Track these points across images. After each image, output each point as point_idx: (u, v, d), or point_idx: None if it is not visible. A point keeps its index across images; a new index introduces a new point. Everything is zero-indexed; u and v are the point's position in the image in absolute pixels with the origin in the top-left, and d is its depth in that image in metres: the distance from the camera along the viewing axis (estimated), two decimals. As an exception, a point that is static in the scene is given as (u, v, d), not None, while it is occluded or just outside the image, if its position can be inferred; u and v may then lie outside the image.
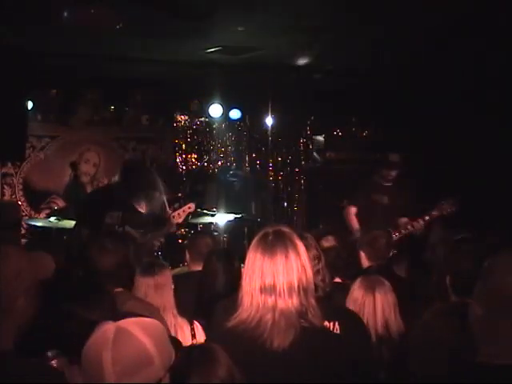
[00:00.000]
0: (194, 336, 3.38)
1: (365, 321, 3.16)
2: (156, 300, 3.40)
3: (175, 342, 2.04)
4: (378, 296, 3.21)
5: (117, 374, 1.62)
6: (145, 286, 3.45)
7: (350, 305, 3.25)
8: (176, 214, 5.73)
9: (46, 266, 3.38)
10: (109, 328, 1.67)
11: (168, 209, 6.06)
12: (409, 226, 5.84)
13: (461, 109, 7.21)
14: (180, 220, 5.73)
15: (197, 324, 3.44)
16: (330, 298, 2.79)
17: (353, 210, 6.36)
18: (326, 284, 2.73)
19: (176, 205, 6.50)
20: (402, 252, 5.38)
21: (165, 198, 5.90)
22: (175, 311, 3.46)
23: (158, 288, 3.45)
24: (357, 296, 3.25)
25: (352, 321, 2.73)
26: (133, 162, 5.78)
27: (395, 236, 5.74)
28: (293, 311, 2.28)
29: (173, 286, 3.60)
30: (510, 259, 1.88)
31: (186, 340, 3.30)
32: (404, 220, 6.01)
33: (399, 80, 7.46)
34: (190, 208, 5.81)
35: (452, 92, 7.21)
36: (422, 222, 5.84)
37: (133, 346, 1.64)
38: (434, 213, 5.83)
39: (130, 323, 1.68)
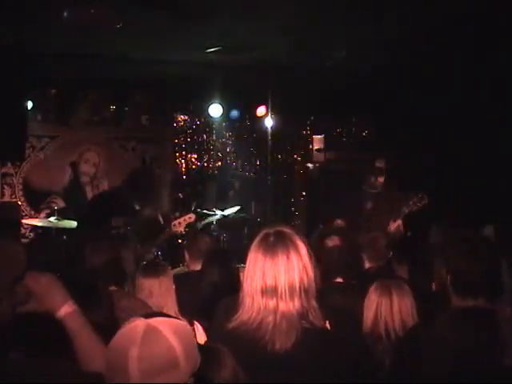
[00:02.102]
0: (194, 337, 3.38)
1: (382, 322, 3.16)
2: (160, 300, 3.41)
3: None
4: (395, 298, 3.21)
5: (141, 371, 1.58)
6: (149, 286, 3.45)
7: (368, 307, 3.25)
8: (176, 222, 5.79)
9: (18, 259, 3.35)
10: (139, 324, 1.63)
11: (162, 218, 6.13)
12: (390, 228, 5.81)
13: (461, 109, 7.20)
14: (180, 229, 5.80)
15: (197, 325, 3.44)
16: (323, 298, 2.78)
17: (339, 223, 6.29)
18: (317, 283, 2.73)
19: (177, 213, 6.54)
20: (401, 252, 5.36)
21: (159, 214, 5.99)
22: (177, 311, 3.47)
23: (162, 288, 3.46)
24: (374, 298, 3.25)
25: (343, 320, 2.73)
26: (139, 173, 5.83)
27: None
28: (294, 313, 2.27)
29: (174, 286, 3.61)
30: None
31: None
32: (396, 223, 5.97)
33: (399, 80, 7.46)
34: (190, 218, 5.88)
35: (452, 92, 7.21)
36: (397, 222, 5.83)
37: (161, 346, 1.61)
38: (405, 209, 5.83)
39: (160, 322, 1.65)
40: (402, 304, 3.20)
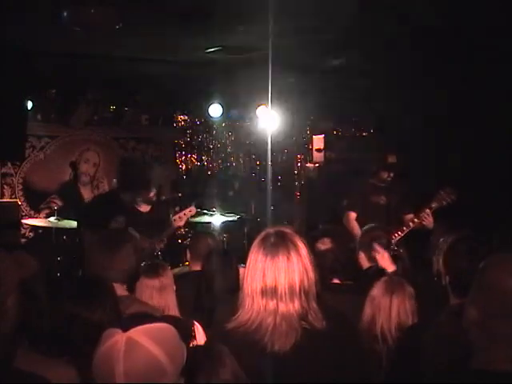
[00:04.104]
0: (194, 337, 3.38)
1: (379, 322, 3.16)
2: (160, 301, 3.41)
3: (186, 332, 2.02)
4: (395, 300, 3.20)
5: None
6: (150, 287, 3.46)
7: (367, 306, 3.25)
8: (177, 217, 5.73)
9: (28, 265, 3.38)
10: (118, 340, 1.64)
11: (168, 209, 6.06)
12: (410, 223, 5.79)
13: (461, 108, 7.21)
14: (181, 223, 5.74)
15: (197, 325, 3.44)
16: (320, 299, 2.78)
17: (352, 215, 6.34)
18: (317, 285, 2.73)
19: (177, 208, 6.49)
20: (403, 252, 5.36)
21: (163, 198, 5.90)
22: (177, 311, 3.47)
23: (163, 289, 3.47)
24: (374, 296, 3.25)
25: (338, 320, 2.73)
26: (130, 161, 5.75)
27: (398, 235, 5.67)
28: (294, 315, 2.27)
29: (174, 286, 3.61)
30: (505, 260, 1.86)
31: None
32: (409, 217, 5.97)
33: (399, 80, 7.46)
34: (190, 211, 5.81)
35: (452, 92, 7.21)
36: (423, 216, 5.77)
37: (145, 359, 1.62)
38: (434, 205, 5.73)
39: (139, 333, 1.65)
40: (400, 306, 3.20)
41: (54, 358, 2.28)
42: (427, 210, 5.73)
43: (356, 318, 3.23)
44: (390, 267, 4.27)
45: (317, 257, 3.52)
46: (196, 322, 3.43)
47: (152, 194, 5.78)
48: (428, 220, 5.72)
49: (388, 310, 3.19)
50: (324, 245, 3.82)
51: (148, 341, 1.64)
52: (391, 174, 6.25)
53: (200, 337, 3.34)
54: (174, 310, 3.45)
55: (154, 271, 3.54)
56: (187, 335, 2.32)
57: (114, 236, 3.51)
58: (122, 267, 3.29)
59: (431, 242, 5.43)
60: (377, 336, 3.16)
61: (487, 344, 1.79)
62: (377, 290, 3.27)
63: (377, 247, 4.42)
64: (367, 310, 3.25)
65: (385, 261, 4.33)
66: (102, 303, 2.52)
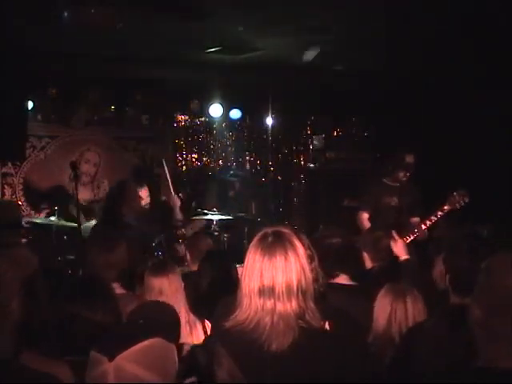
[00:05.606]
0: (206, 333, 3.42)
1: (397, 326, 3.16)
2: (170, 299, 3.42)
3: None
4: (409, 302, 3.19)
5: None
6: (159, 285, 3.47)
7: (380, 312, 3.24)
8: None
9: (28, 264, 3.38)
10: (107, 369, 1.66)
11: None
12: (422, 225, 5.67)
13: (461, 108, 7.21)
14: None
15: (207, 322, 3.46)
16: (325, 299, 2.77)
17: (365, 215, 6.25)
18: (320, 284, 2.73)
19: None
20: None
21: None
22: (187, 309, 3.49)
23: (172, 287, 3.48)
24: (387, 303, 3.23)
25: (344, 321, 2.72)
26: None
27: (409, 237, 5.55)
28: (291, 314, 2.27)
29: (182, 284, 3.62)
30: (508, 258, 1.86)
31: (199, 336, 3.37)
32: (415, 219, 5.91)
33: (399, 80, 7.47)
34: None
35: (452, 92, 7.22)
36: (434, 218, 5.60)
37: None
38: (446, 207, 5.55)
39: (125, 360, 1.67)
40: (415, 309, 3.20)
41: (55, 357, 2.28)
42: (423, 225, 5.62)
43: (358, 317, 3.22)
44: (403, 255, 4.33)
45: (326, 250, 3.52)
46: (207, 321, 3.45)
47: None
48: (421, 234, 5.63)
49: (404, 314, 3.17)
50: (333, 239, 3.82)
51: (135, 367, 1.66)
52: (407, 174, 6.14)
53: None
54: (184, 308, 3.46)
55: (162, 269, 3.55)
56: (173, 321, 2.32)
57: (110, 236, 3.52)
58: (119, 266, 3.30)
59: (432, 242, 5.42)
60: (392, 339, 3.15)
61: (489, 342, 1.79)
62: (387, 298, 3.25)
63: (393, 234, 4.49)
64: (380, 319, 3.23)
65: (399, 249, 4.39)
66: (104, 303, 2.53)
